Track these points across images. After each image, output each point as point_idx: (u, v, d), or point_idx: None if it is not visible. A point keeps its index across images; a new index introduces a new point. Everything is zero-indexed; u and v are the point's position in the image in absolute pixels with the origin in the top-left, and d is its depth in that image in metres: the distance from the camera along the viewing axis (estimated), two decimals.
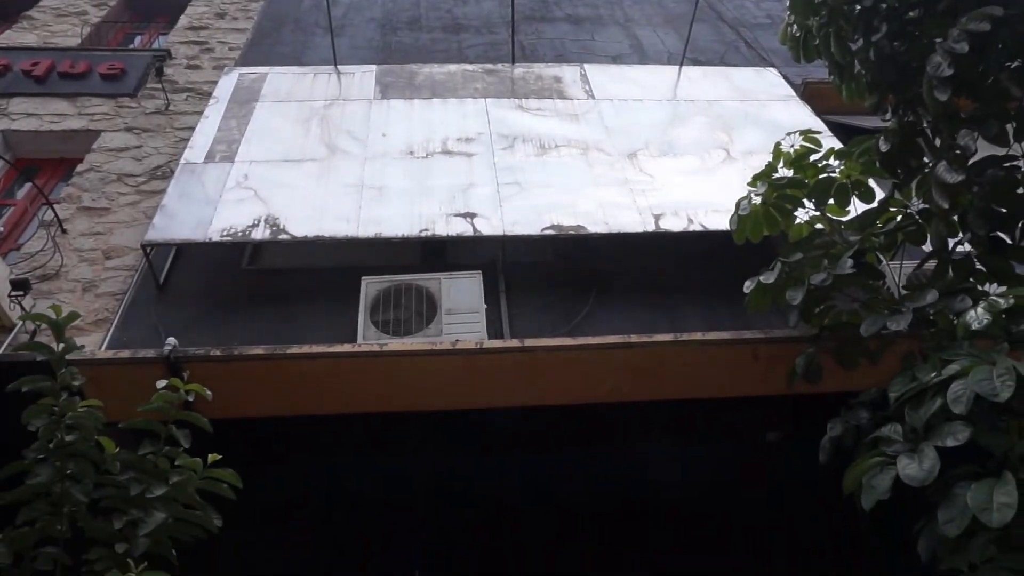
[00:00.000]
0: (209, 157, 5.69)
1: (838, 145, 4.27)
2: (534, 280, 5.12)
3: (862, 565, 4.73)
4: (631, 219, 5.15)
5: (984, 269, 3.33)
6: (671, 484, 4.97)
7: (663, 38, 8.60)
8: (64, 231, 5.43)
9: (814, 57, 3.88)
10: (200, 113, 6.38)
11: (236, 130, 6.04)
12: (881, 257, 3.88)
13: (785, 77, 7.32)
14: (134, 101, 7.00)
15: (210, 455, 2.79)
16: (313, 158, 5.74)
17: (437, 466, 4.90)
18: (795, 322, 3.78)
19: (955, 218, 3.35)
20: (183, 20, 8.62)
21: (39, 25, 8.61)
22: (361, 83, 6.88)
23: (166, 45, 8.09)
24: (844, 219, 3.98)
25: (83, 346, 3.28)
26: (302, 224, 4.97)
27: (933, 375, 2.69)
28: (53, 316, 2.80)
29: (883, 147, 3.55)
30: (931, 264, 3.59)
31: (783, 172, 4.08)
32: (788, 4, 3.85)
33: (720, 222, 4.83)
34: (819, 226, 4.06)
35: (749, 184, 4.15)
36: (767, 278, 3.75)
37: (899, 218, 3.74)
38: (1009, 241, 3.26)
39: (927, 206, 3.52)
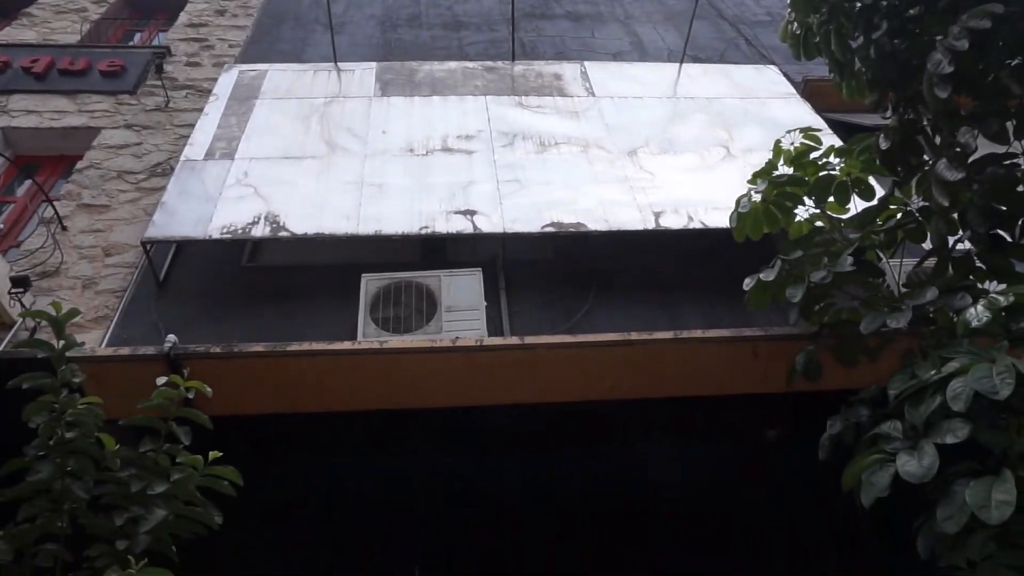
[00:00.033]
0: (209, 154, 5.69)
1: (838, 143, 4.28)
2: (534, 277, 5.12)
3: (862, 562, 4.74)
4: (631, 217, 5.15)
5: (984, 267, 3.33)
6: (670, 482, 4.97)
7: (663, 35, 8.60)
8: (64, 228, 5.43)
9: (814, 54, 3.88)
10: (200, 110, 6.38)
11: (236, 127, 6.04)
12: (881, 255, 3.88)
13: (785, 75, 7.31)
14: (134, 98, 7.00)
15: (211, 452, 2.79)
16: (313, 155, 5.73)
17: (437, 464, 4.90)
18: (795, 320, 3.78)
19: (955, 216, 3.35)
20: (183, 17, 8.61)
21: (39, 22, 8.60)
22: (361, 80, 6.87)
23: (166, 42, 8.08)
24: (844, 217, 3.98)
25: (83, 343, 3.29)
26: (302, 221, 4.97)
27: (933, 373, 2.69)
28: (53, 313, 2.80)
29: (883, 145, 3.55)
30: (931, 262, 3.58)
31: (783, 170, 4.07)
32: (788, 1, 3.85)
33: (720, 220, 4.83)
34: (819, 224, 4.05)
35: (749, 182, 4.15)
36: (767, 275, 3.75)
37: (899, 216, 3.74)
38: (1009, 239, 3.26)
39: (927, 204, 3.52)
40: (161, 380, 2.88)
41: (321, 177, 5.46)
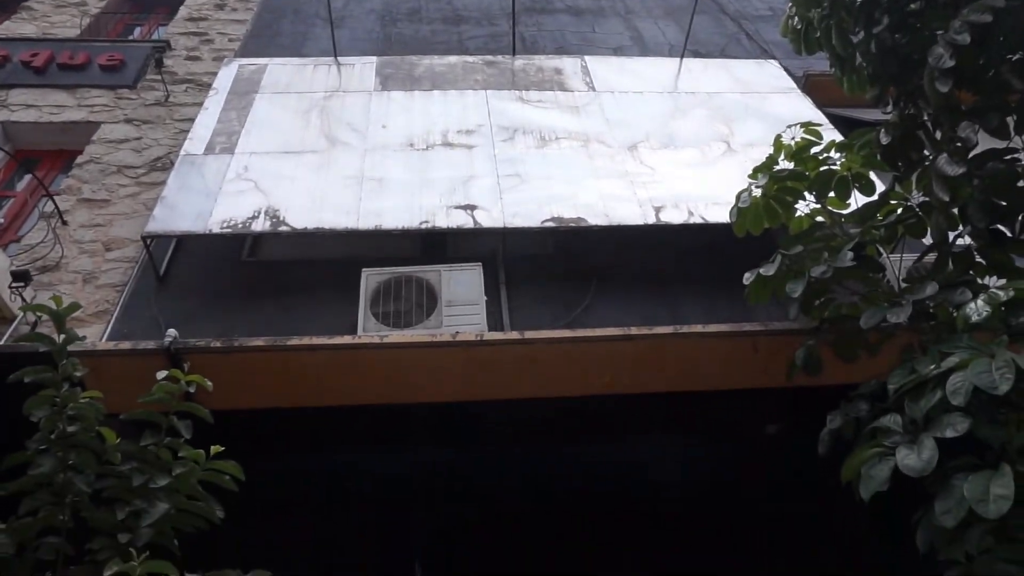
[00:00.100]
0: (209, 149, 5.68)
1: (839, 138, 4.28)
2: (534, 272, 5.13)
3: (861, 557, 4.75)
4: (631, 211, 5.15)
5: (984, 262, 3.33)
6: (670, 475, 4.98)
7: (664, 30, 8.58)
8: (64, 223, 5.43)
9: (815, 49, 3.87)
10: (200, 104, 6.36)
11: (236, 122, 6.03)
12: (881, 250, 3.88)
13: (786, 69, 7.30)
14: (134, 92, 6.99)
15: (213, 447, 2.80)
16: (313, 150, 5.73)
17: (437, 458, 4.91)
18: (795, 314, 3.78)
19: (955, 211, 3.35)
20: (182, 11, 8.59)
21: (38, 16, 8.58)
22: (361, 75, 6.86)
23: (165, 36, 8.06)
24: (844, 212, 3.98)
25: (84, 337, 3.28)
26: (302, 216, 4.97)
27: (932, 367, 2.69)
28: (54, 307, 2.80)
29: (884, 140, 3.55)
30: (931, 257, 3.59)
31: (784, 164, 4.07)
32: None
33: (720, 215, 4.83)
34: (819, 219, 4.06)
35: (750, 176, 4.15)
36: (767, 270, 3.75)
37: (899, 211, 3.74)
38: (1009, 234, 3.26)
39: (927, 199, 3.52)
40: (162, 374, 2.88)
41: (321, 172, 5.46)
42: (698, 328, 4.20)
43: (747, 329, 4.20)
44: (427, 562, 4.72)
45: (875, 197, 3.83)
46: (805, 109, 6.45)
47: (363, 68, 6.98)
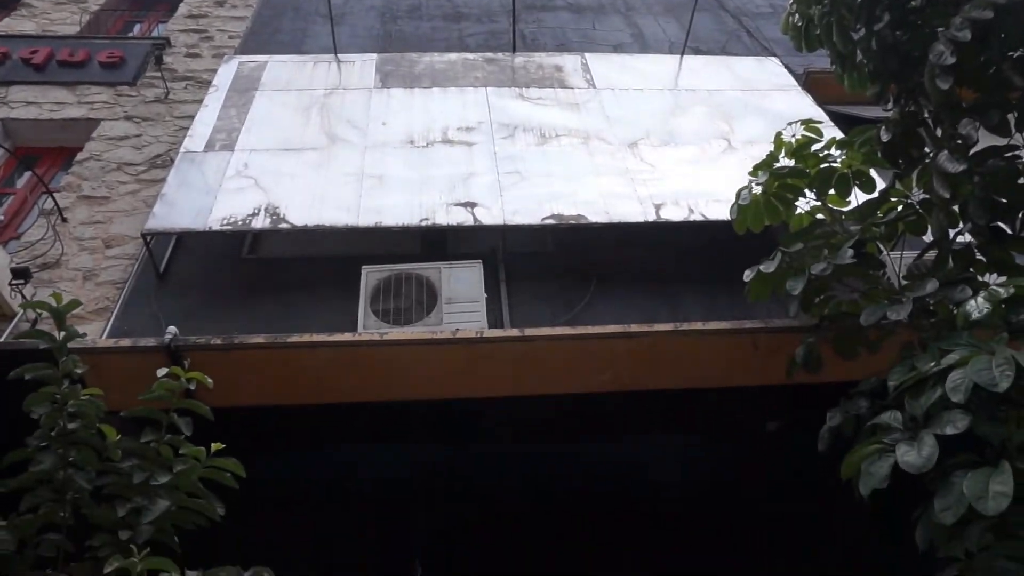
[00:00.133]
0: (209, 146, 5.68)
1: (839, 135, 4.27)
2: (534, 269, 5.13)
3: (860, 553, 4.76)
4: (632, 209, 5.14)
5: (984, 259, 3.33)
6: (669, 472, 4.99)
7: (664, 27, 8.57)
8: (64, 220, 5.43)
9: (816, 46, 3.86)
10: (200, 102, 6.36)
11: (236, 119, 6.02)
12: (882, 247, 3.88)
13: (787, 67, 7.29)
14: (133, 89, 6.98)
15: (214, 444, 2.80)
16: (313, 147, 5.72)
17: (437, 455, 4.92)
18: (795, 312, 3.78)
19: (956, 208, 3.35)
20: (182, 8, 8.58)
21: (38, 13, 8.56)
22: (361, 72, 6.85)
23: (165, 33, 8.05)
24: (845, 209, 3.97)
25: (85, 334, 3.29)
26: (302, 213, 4.97)
27: (932, 364, 2.69)
28: (54, 304, 2.81)
29: (884, 137, 3.55)
30: (931, 254, 3.59)
31: (784, 162, 4.07)
32: None
33: (721, 212, 4.83)
34: (820, 216, 4.05)
35: (750, 174, 4.15)
36: (767, 267, 3.75)
37: (900, 208, 3.74)
38: (1009, 231, 3.26)
39: (928, 196, 3.51)
40: (162, 371, 2.88)
41: (321, 169, 5.45)
42: (698, 325, 4.21)
43: (747, 326, 4.20)
44: (427, 559, 4.73)
45: (875, 194, 3.83)
46: (806, 106, 6.45)
47: (363, 65, 6.97)
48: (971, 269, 3.32)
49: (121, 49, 7.41)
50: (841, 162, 3.97)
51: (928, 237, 3.61)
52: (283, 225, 4.88)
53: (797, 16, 3.88)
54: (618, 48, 8.01)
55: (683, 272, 5.11)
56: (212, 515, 2.84)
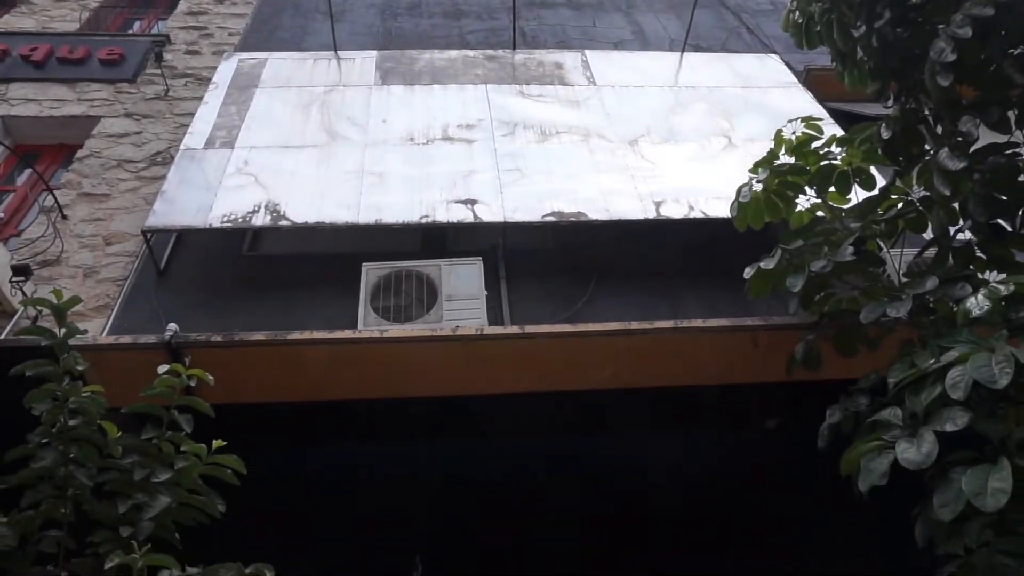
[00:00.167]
0: (209, 143, 5.68)
1: (840, 132, 4.26)
2: (534, 266, 5.13)
3: (860, 550, 4.76)
4: (632, 206, 5.15)
5: (984, 256, 3.33)
6: (670, 470, 4.99)
7: (665, 24, 8.56)
8: (64, 217, 5.43)
9: (816, 44, 3.86)
10: (200, 99, 6.36)
11: (236, 116, 6.02)
12: (882, 244, 3.88)
13: (787, 64, 7.29)
14: (133, 87, 6.98)
15: (215, 441, 2.80)
16: (313, 144, 5.72)
17: (436, 452, 4.92)
18: (795, 309, 3.78)
19: (956, 206, 3.35)
20: (182, 5, 8.57)
21: (37, 10, 8.56)
22: (361, 69, 6.85)
23: (165, 30, 8.04)
24: (845, 206, 3.98)
25: (85, 331, 3.29)
26: (302, 210, 4.97)
27: (932, 362, 2.70)
28: (55, 301, 2.81)
29: (885, 134, 3.55)
30: (931, 251, 3.59)
31: (784, 159, 4.07)
32: None
33: (721, 209, 4.83)
34: (820, 213, 4.05)
35: (750, 171, 4.15)
36: (767, 264, 3.75)
37: (900, 205, 3.74)
38: (1009, 229, 3.26)
39: (928, 193, 3.51)
40: (162, 368, 2.89)
41: (321, 166, 5.45)
42: (698, 323, 4.21)
43: (747, 324, 4.20)
44: (427, 556, 4.73)
45: (876, 192, 3.82)
46: (806, 104, 6.44)
47: (363, 62, 6.97)
48: (971, 266, 3.32)
49: (121, 46, 7.40)
50: (841, 159, 3.97)
51: (928, 234, 3.61)
52: (283, 222, 4.89)
53: (798, 13, 3.88)
54: (618, 45, 8.01)
55: (683, 269, 5.12)
56: (213, 512, 2.85)
